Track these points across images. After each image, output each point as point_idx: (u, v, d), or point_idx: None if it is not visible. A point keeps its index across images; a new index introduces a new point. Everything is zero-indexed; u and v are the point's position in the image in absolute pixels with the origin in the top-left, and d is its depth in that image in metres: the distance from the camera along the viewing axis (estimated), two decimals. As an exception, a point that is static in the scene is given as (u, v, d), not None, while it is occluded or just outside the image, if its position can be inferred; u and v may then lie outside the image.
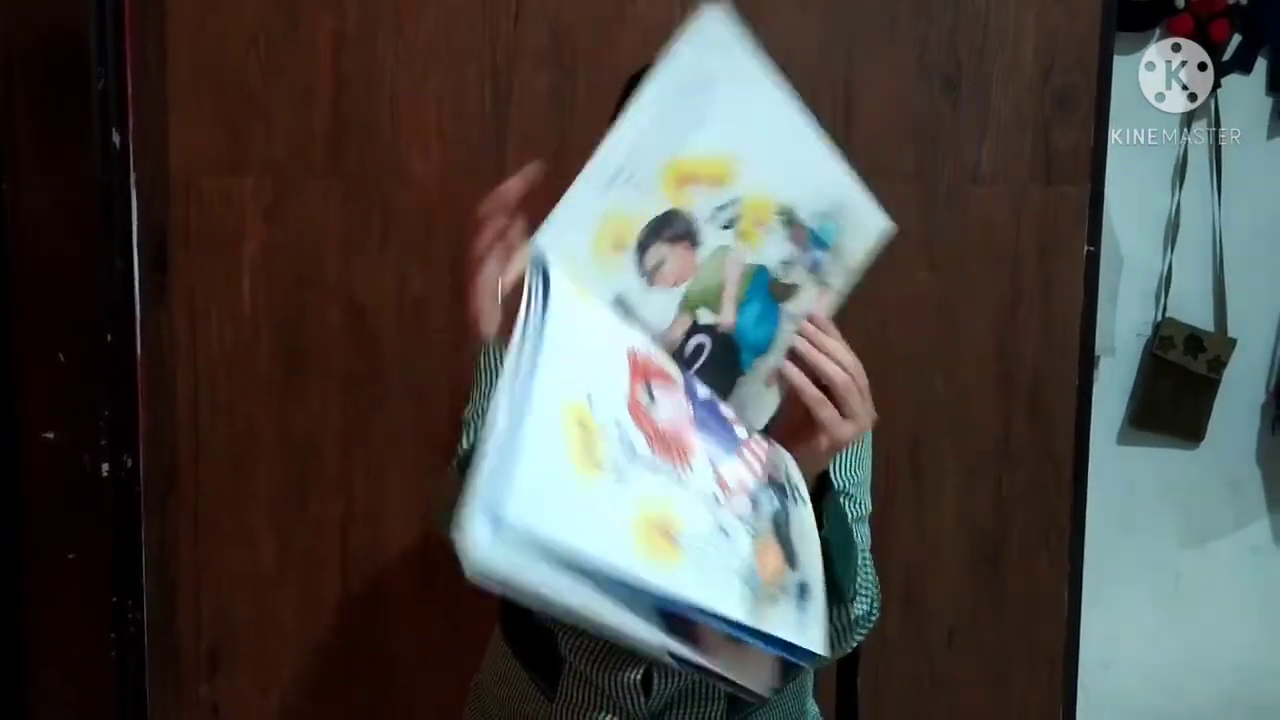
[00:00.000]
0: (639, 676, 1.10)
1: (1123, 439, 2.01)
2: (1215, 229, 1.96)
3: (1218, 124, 1.94)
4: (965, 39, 1.57)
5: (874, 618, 1.13)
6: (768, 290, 0.89)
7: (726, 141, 0.83)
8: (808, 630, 0.80)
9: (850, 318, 1.57)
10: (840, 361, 0.93)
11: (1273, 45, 1.95)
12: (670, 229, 0.83)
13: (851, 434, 0.92)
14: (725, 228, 0.85)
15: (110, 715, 1.60)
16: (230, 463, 1.62)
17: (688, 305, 0.86)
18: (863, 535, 1.19)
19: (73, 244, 1.54)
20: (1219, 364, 1.97)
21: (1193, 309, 1.97)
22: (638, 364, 0.80)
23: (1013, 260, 1.61)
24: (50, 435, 1.56)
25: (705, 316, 0.87)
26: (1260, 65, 1.95)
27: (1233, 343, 1.97)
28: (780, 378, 0.92)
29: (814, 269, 0.91)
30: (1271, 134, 1.97)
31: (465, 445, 1.11)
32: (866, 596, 1.07)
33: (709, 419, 0.84)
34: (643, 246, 0.82)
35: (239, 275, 1.59)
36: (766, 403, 0.93)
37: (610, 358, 0.78)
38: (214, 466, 1.63)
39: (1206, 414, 1.99)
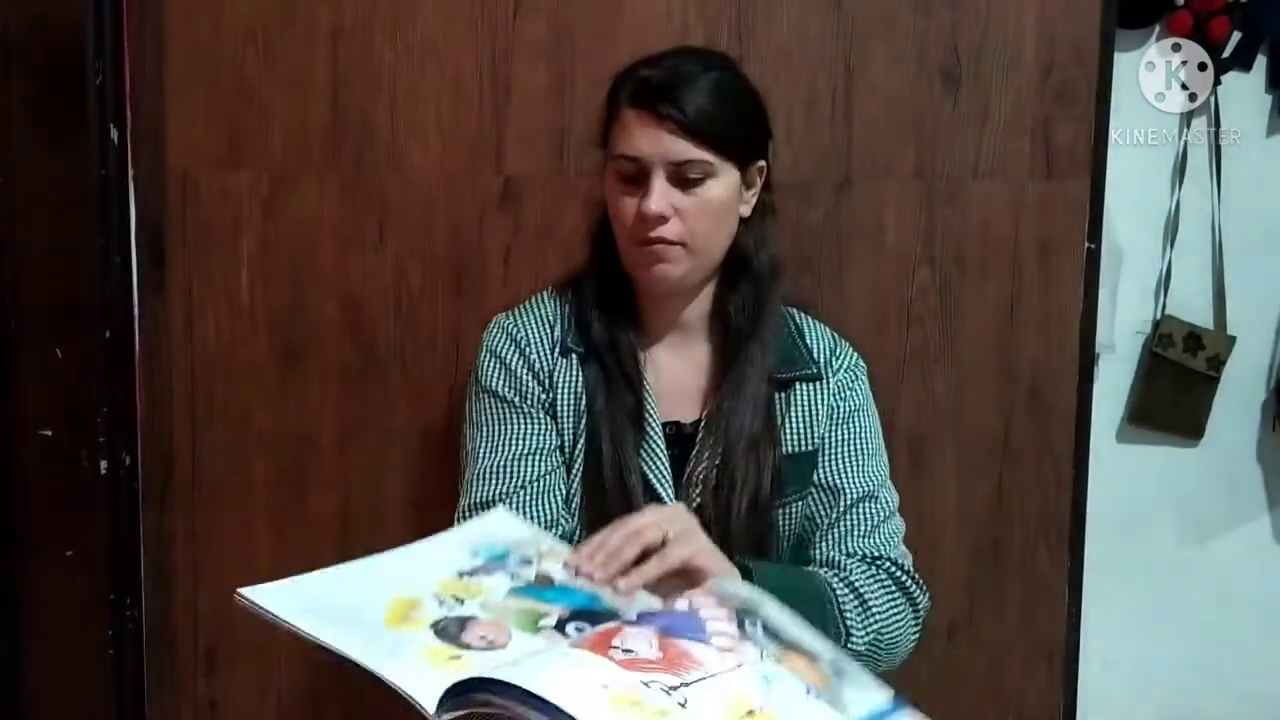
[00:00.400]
0: None
1: (1122, 437, 2.00)
2: (1215, 226, 1.96)
3: (1218, 122, 1.93)
4: (965, 35, 1.57)
5: (924, 600, 1.22)
6: (541, 589, 0.96)
7: (391, 588, 0.92)
8: (870, 690, 0.90)
9: (850, 314, 1.58)
10: (619, 539, 0.98)
11: (1272, 42, 1.94)
12: (455, 631, 0.88)
13: (694, 540, 1.00)
14: (461, 602, 0.92)
15: (108, 713, 1.60)
16: (228, 459, 1.62)
17: (533, 631, 0.90)
18: (892, 530, 1.23)
19: (70, 239, 1.54)
20: (1218, 362, 1.96)
21: (1192, 306, 1.97)
22: (590, 644, 0.84)
23: (1013, 257, 1.61)
24: (48, 432, 1.55)
25: (548, 621, 0.92)
26: (1260, 62, 1.95)
27: (1232, 340, 1.97)
28: (633, 590, 0.97)
29: (523, 563, 0.98)
30: (1271, 131, 1.97)
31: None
32: (859, 627, 1.12)
33: (659, 619, 0.88)
34: (466, 646, 0.87)
35: (237, 270, 1.59)
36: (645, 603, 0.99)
37: (581, 662, 0.82)
38: (212, 462, 1.62)
39: (1206, 412, 1.98)
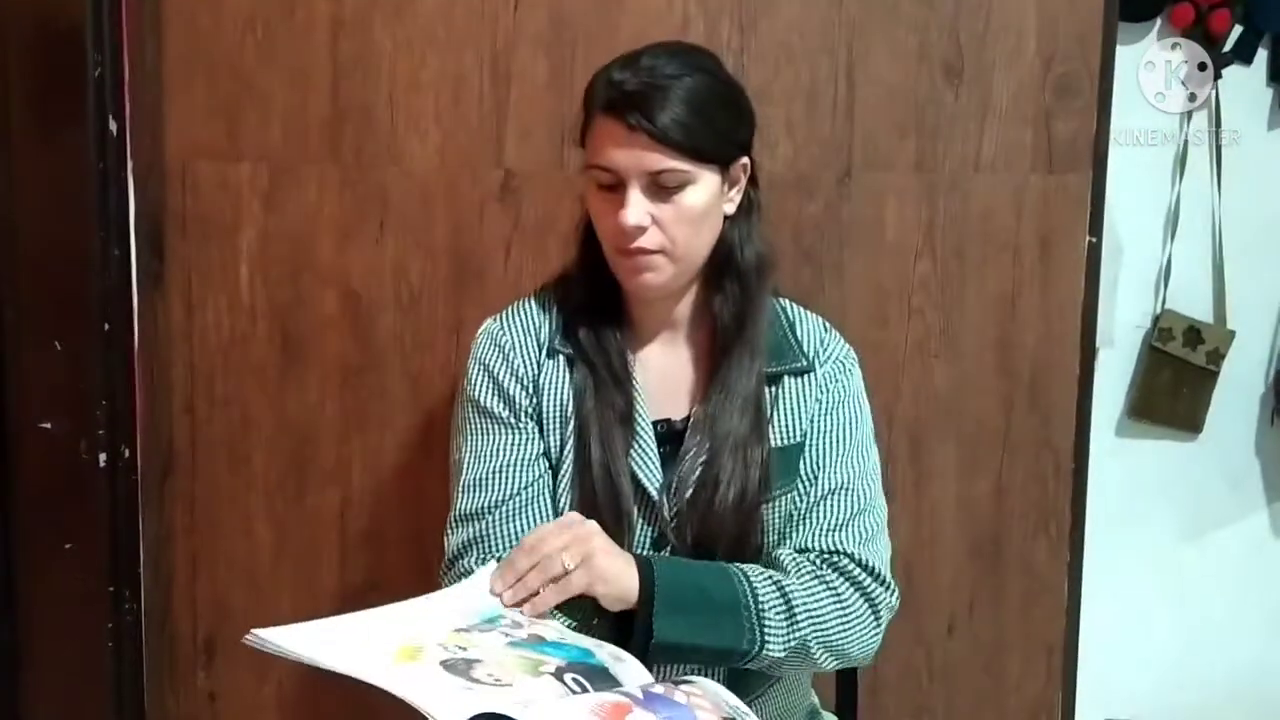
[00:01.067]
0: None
1: (1121, 431, 2.00)
2: (1215, 220, 1.96)
3: (1218, 115, 1.93)
4: (967, 27, 1.56)
5: (888, 599, 1.18)
6: (536, 644, 1.00)
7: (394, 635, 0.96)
8: None
9: (851, 307, 1.58)
10: (525, 562, 1.06)
11: (1273, 37, 1.94)
12: (464, 669, 0.91)
13: (592, 568, 1.05)
14: (464, 649, 0.96)
15: (107, 705, 1.60)
16: (227, 451, 1.62)
17: (535, 675, 0.93)
18: (864, 526, 1.20)
19: (69, 232, 1.53)
20: (1218, 356, 1.96)
21: (1192, 300, 1.97)
22: (607, 714, 0.89)
23: (1014, 250, 1.61)
24: (47, 425, 1.55)
25: (548, 668, 0.95)
26: (1261, 56, 1.95)
27: (1231, 334, 1.97)
28: (538, 612, 1.05)
29: (514, 625, 1.03)
30: (1272, 125, 1.97)
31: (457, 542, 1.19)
32: (779, 633, 1.11)
33: (663, 708, 0.92)
34: (476, 680, 0.89)
35: (236, 263, 1.59)
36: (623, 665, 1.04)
37: None
38: (211, 455, 1.62)
39: (1205, 406, 1.99)
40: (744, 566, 1.14)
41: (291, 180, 1.57)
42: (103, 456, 1.55)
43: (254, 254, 1.58)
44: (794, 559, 1.16)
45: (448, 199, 1.57)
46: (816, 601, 1.13)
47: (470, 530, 1.18)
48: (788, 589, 1.12)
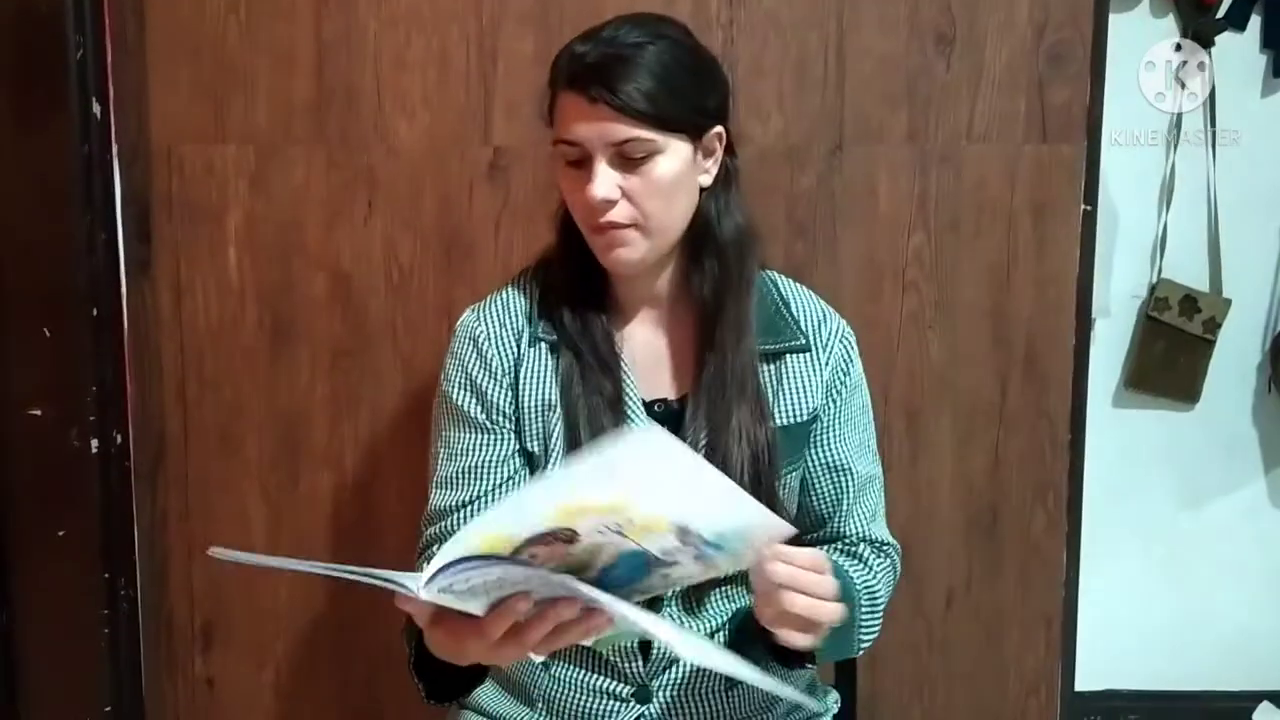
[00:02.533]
0: (636, 643, 1.10)
1: (1118, 401, 2.00)
2: (1210, 188, 1.95)
3: (1212, 89, 1.92)
4: (958, -5, 1.55)
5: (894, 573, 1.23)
6: (642, 561, 0.91)
7: (626, 491, 0.85)
8: None
9: (844, 280, 1.57)
10: (809, 583, 0.97)
11: (1266, 2, 1.93)
12: (549, 535, 0.85)
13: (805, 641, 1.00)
14: (611, 531, 0.87)
15: (105, 693, 1.60)
16: (219, 436, 1.61)
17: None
18: (884, 509, 1.26)
19: (55, 217, 1.52)
20: (1214, 325, 1.96)
21: (1188, 269, 1.96)
22: None
23: (1008, 220, 1.60)
24: (37, 412, 1.54)
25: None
26: (1254, 22, 1.93)
27: (1228, 303, 1.96)
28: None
29: (700, 558, 0.92)
30: (1265, 91, 1.96)
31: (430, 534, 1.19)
32: (870, 636, 1.16)
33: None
34: (516, 550, 0.85)
35: (224, 246, 1.58)
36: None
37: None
38: (203, 440, 1.62)
39: (1202, 375, 1.98)
40: (850, 570, 1.15)
41: (278, 162, 1.56)
42: (94, 443, 1.54)
43: (242, 237, 1.57)
44: (875, 554, 1.21)
45: (436, 178, 1.56)
46: (883, 589, 1.20)
47: (441, 527, 1.18)
48: (872, 586, 1.17)
